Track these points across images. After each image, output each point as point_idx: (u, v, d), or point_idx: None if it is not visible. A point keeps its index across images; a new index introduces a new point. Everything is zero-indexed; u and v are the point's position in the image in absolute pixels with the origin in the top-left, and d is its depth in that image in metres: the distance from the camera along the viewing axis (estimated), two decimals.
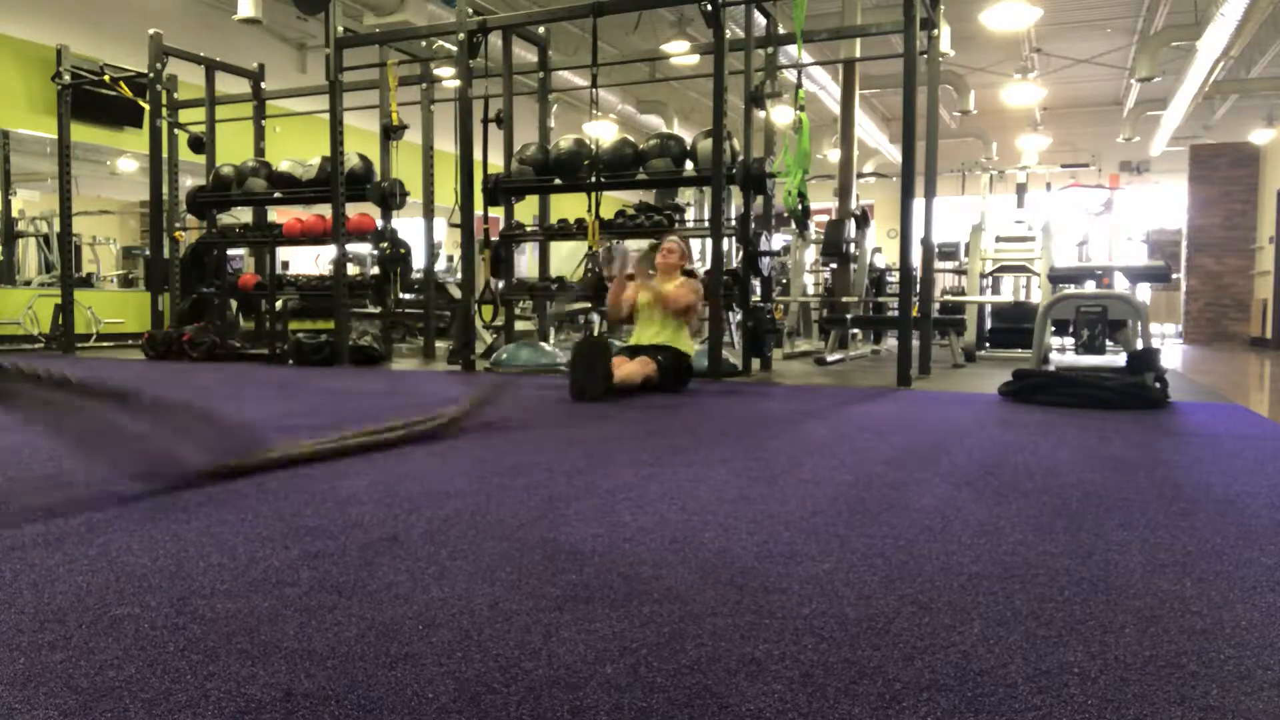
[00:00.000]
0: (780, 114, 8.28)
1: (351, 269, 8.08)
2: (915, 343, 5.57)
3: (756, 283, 5.71)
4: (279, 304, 7.39)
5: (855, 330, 8.25)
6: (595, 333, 8.48)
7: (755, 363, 5.85)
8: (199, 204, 7.72)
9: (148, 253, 8.56)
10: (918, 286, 5.84)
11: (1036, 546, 1.61)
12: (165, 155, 7.69)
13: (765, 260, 5.75)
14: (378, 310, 7.22)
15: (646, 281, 4.73)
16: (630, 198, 9.83)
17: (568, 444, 2.83)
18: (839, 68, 8.95)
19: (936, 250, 8.16)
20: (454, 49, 6.32)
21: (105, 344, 8.87)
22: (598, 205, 5.91)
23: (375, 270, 7.08)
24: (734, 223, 5.91)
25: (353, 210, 6.98)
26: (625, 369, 4.24)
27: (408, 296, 8.14)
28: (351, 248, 7.68)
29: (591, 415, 3.54)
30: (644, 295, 4.70)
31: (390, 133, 7.00)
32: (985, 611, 1.27)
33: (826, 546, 1.60)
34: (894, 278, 9.74)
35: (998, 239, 8.15)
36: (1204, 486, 2.19)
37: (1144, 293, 8.91)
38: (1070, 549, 1.60)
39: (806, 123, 5.69)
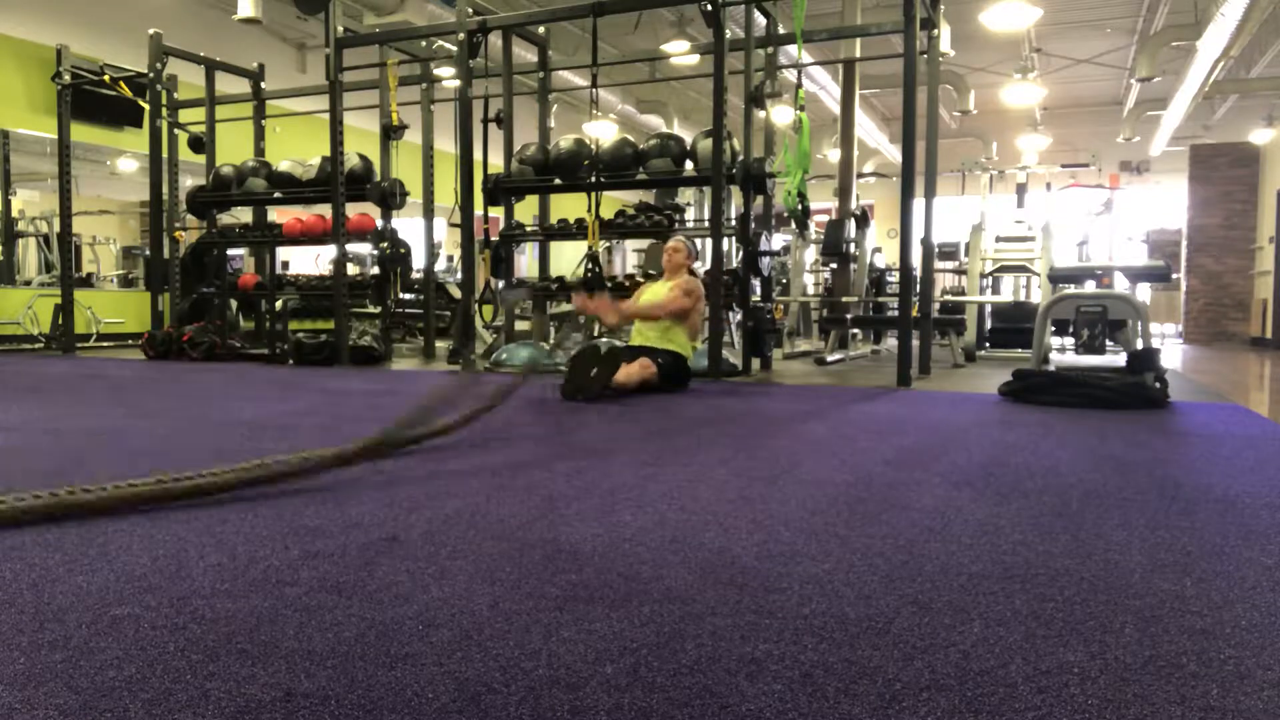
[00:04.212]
0: (780, 114, 8.28)
1: (351, 269, 8.08)
2: (915, 343, 5.57)
3: (756, 283, 5.70)
4: (279, 304, 7.39)
5: (855, 330, 8.25)
6: (595, 333, 8.48)
7: (755, 363, 5.85)
8: (199, 204, 7.72)
9: (148, 253, 8.56)
10: (918, 286, 5.84)
11: (1036, 546, 1.61)
12: (165, 155, 7.68)
13: (765, 260, 5.75)
14: (378, 310, 7.22)
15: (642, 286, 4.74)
16: (630, 198, 9.84)
17: (568, 444, 2.83)
18: (839, 68, 8.95)
19: (936, 250, 8.16)
20: (454, 49, 6.32)
21: (105, 344, 8.87)
22: (598, 205, 5.91)
23: (375, 270, 7.08)
24: (734, 223, 5.91)
25: (353, 210, 6.98)
26: (621, 371, 4.24)
27: (408, 296, 8.15)
28: (351, 248, 7.68)
29: (591, 415, 3.54)
30: (646, 297, 4.72)
31: (390, 133, 7.00)
32: (985, 611, 1.27)
33: (826, 546, 1.60)
34: (894, 278, 9.74)
35: (998, 239, 8.15)
36: (1204, 486, 2.19)
37: (1144, 293, 8.90)
38: (1070, 549, 1.60)
39: (806, 123, 5.69)
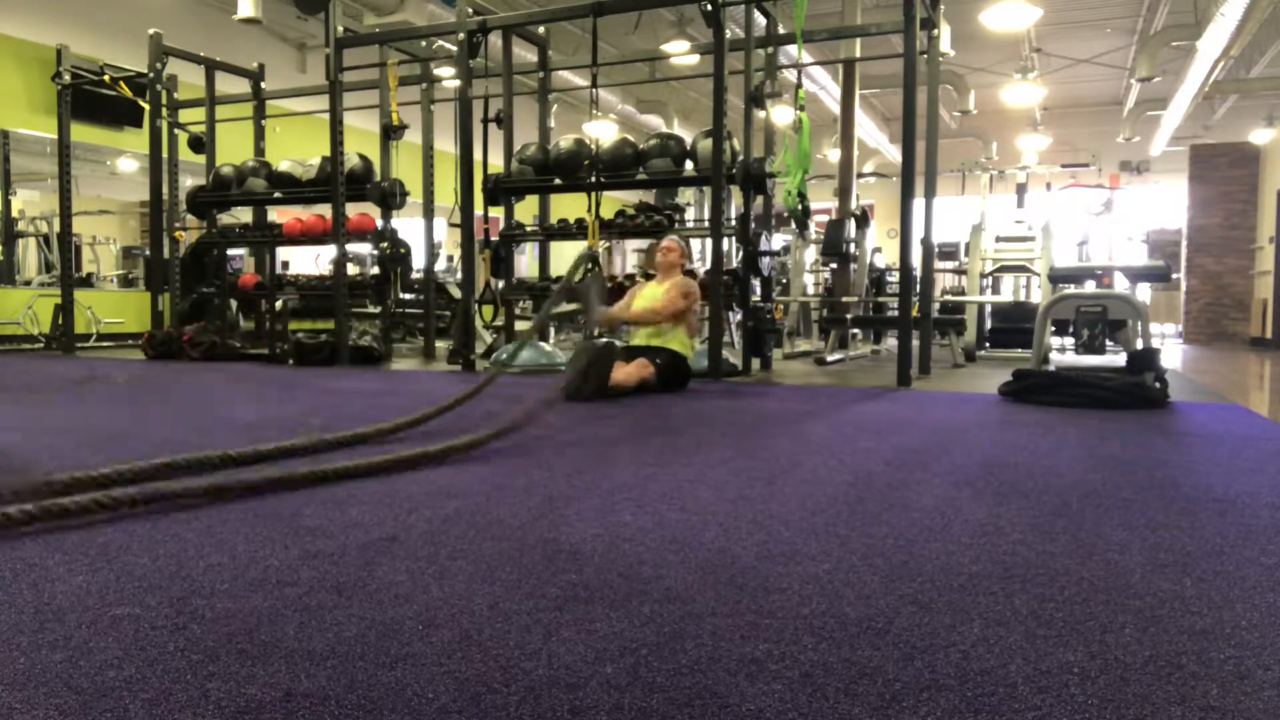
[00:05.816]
0: (780, 114, 8.27)
1: (351, 269, 8.08)
2: (915, 343, 5.57)
3: (756, 283, 5.70)
4: (279, 304, 7.38)
5: (855, 330, 8.25)
6: (595, 333, 8.48)
7: (755, 363, 5.85)
8: (199, 204, 7.72)
9: (148, 253, 8.56)
10: (918, 286, 5.84)
11: (1036, 546, 1.61)
12: (165, 155, 7.68)
13: (765, 260, 5.75)
14: (378, 310, 7.22)
15: (640, 288, 4.74)
16: (630, 198, 9.84)
17: (568, 444, 2.83)
18: (839, 68, 8.95)
19: (936, 250, 8.16)
20: (454, 49, 6.32)
21: (105, 344, 8.87)
22: (598, 205, 5.91)
23: (375, 270, 7.08)
24: (734, 223, 5.90)
25: (353, 210, 6.98)
26: (619, 372, 4.23)
27: (408, 296, 8.14)
28: (351, 248, 7.67)
29: (591, 415, 3.54)
30: (639, 301, 4.72)
31: (390, 133, 7.00)
32: (985, 611, 1.27)
33: (826, 546, 1.60)
34: (894, 278, 9.74)
35: (998, 239, 8.15)
36: (1204, 486, 2.19)
37: (1144, 293, 8.91)
38: (1070, 549, 1.60)
39: (806, 123, 5.69)
